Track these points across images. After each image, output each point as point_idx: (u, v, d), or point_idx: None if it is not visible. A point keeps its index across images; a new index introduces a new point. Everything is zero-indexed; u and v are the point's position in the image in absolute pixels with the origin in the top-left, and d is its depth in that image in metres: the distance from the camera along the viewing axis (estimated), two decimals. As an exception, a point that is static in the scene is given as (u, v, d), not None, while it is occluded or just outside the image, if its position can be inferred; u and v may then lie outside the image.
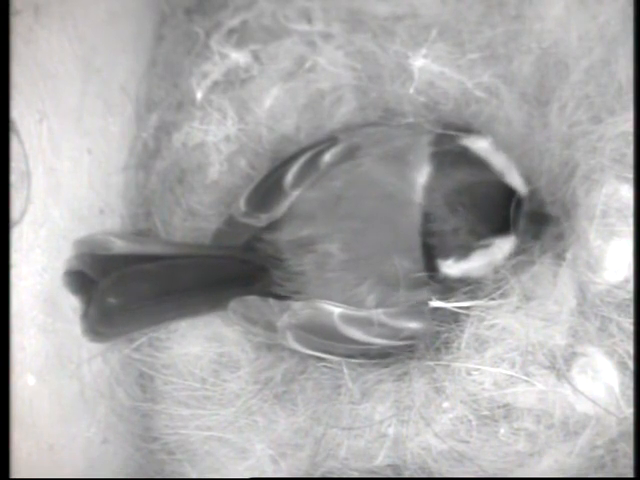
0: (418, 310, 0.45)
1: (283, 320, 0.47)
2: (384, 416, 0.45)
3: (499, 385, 0.43)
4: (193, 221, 0.54)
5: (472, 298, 0.45)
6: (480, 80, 0.51)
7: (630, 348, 0.42)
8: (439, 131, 0.47)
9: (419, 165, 0.46)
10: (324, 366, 0.48)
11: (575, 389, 0.42)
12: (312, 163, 0.49)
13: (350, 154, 0.48)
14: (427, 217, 0.45)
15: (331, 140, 0.49)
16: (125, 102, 0.55)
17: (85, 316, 0.46)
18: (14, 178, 0.43)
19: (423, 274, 0.45)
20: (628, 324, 0.42)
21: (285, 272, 0.48)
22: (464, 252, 0.45)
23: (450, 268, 0.45)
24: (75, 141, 0.50)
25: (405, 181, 0.46)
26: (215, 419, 0.48)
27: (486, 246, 0.45)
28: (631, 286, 0.43)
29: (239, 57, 0.55)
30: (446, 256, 0.45)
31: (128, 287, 0.46)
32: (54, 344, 0.47)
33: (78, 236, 0.48)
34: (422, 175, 0.45)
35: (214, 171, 0.54)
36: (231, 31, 0.57)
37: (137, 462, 0.53)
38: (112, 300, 0.45)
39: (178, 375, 0.50)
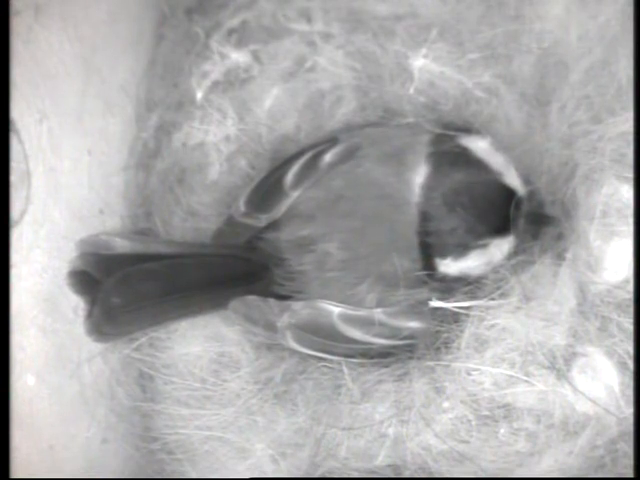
0: (418, 310, 0.45)
1: (283, 320, 0.47)
2: (384, 416, 0.45)
3: (499, 385, 0.43)
4: (193, 221, 0.54)
5: (472, 298, 0.45)
6: (480, 80, 0.51)
7: (630, 348, 0.42)
8: (438, 131, 0.47)
9: (417, 165, 0.46)
10: (324, 366, 0.48)
11: (575, 389, 0.42)
12: (312, 163, 0.49)
13: (350, 154, 0.48)
14: (425, 216, 0.45)
15: (331, 140, 0.49)
16: (125, 102, 0.55)
17: (89, 316, 0.46)
18: (14, 178, 0.43)
19: (422, 273, 0.45)
20: (628, 324, 0.42)
21: (285, 272, 0.48)
22: (462, 251, 0.45)
23: (448, 267, 0.45)
24: (75, 141, 0.50)
25: (403, 181, 0.46)
26: (215, 419, 0.48)
27: (484, 245, 0.45)
28: (631, 286, 0.43)
29: (239, 57, 0.55)
30: (444, 255, 0.45)
31: (132, 287, 0.46)
32: (54, 344, 0.47)
33: (78, 236, 0.48)
34: (420, 175, 0.45)
35: (214, 171, 0.54)
36: (231, 31, 0.57)
37: (137, 462, 0.53)
38: (116, 300, 0.45)
39: (178, 375, 0.50)
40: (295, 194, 0.48)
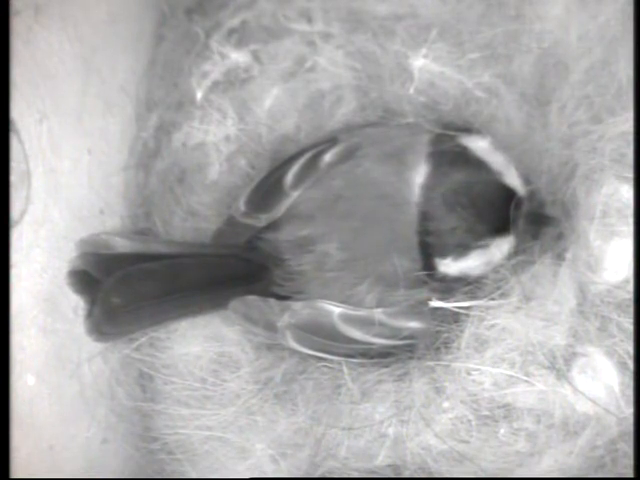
0: (418, 310, 0.45)
1: (283, 320, 0.47)
2: (384, 416, 0.45)
3: (499, 385, 0.43)
4: (193, 221, 0.54)
5: (472, 298, 0.45)
6: (480, 80, 0.51)
7: (630, 348, 0.42)
8: (438, 131, 0.47)
9: (417, 165, 0.46)
10: (324, 366, 0.48)
11: (575, 389, 0.42)
12: (312, 163, 0.49)
13: (350, 154, 0.48)
14: (424, 216, 0.45)
15: (331, 140, 0.50)
16: (125, 102, 0.55)
17: (89, 316, 0.46)
18: (14, 178, 0.43)
19: (421, 273, 0.45)
20: (628, 324, 0.43)
21: (285, 272, 0.48)
22: (462, 251, 0.45)
23: (448, 267, 0.45)
24: (75, 141, 0.50)
25: (402, 181, 0.46)
26: (215, 419, 0.48)
27: (484, 245, 0.45)
28: (631, 286, 0.43)
29: (239, 57, 0.55)
30: (444, 255, 0.45)
31: (132, 286, 0.46)
32: (54, 344, 0.47)
33: (78, 236, 0.48)
34: (420, 175, 0.45)
35: (214, 171, 0.54)
36: (231, 31, 0.57)
37: (137, 462, 0.53)
38: (116, 300, 0.45)
39: (178, 375, 0.50)
40: (295, 194, 0.48)
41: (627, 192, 0.43)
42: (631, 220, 0.43)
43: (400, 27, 0.53)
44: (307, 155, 0.49)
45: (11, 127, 0.43)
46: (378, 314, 0.45)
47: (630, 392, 0.42)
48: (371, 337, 0.46)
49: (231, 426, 0.48)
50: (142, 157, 0.56)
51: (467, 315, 0.45)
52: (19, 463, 0.43)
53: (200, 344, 0.50)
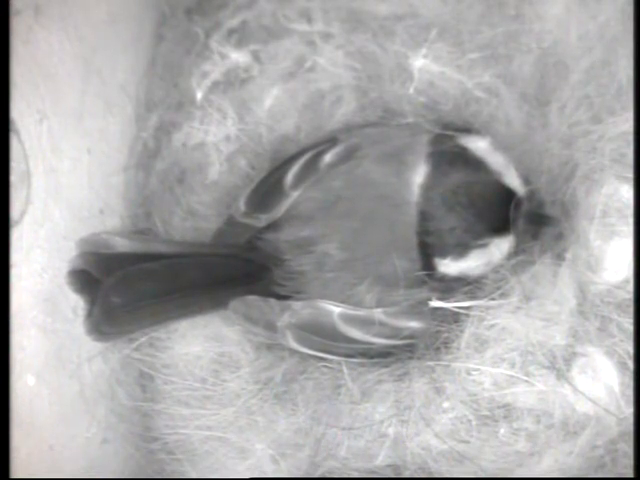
0: (418, 310, 0.45)
1: (283, 320, 0.47)
2: (384, 416, 0.45)
3: (499, 385, 0.43)
4: (193, 221, 0.54)
5: (472, 298, 0.45)
6: (480, 80, 0.51)
7: (630, 348, 0.42)
8: (438, 131, 0.47)
9: (416, 165, 0.46)
10: (324, 366, 0.48)
11: (575, 389, 0.42)
12: (312, 164, 0.49)
13: (350, 154, 0.48)
14: (424, 216, 0.45)
15: (331, 140, 0.50)
16: (125, 102, 0.55)
17: (89, 316, 0.46)
18: (14, 178, 0.43)
19: (421, 273, 0.45)
20: (628, 324, 0.43)
21: (285, 272, 0.48)
22: (461, 251, 0.45)
23: (448, 267, 0.45)
24: (75, 141, 0.50)
25: (402, 181, 0.46)
26: (215, 419, 0.48)
27: (484, 245, 0.45)
28: (631, 286, 0.43)
29: (239, 57, 0.55)
30: (443, 255, 0.45)
31: (132, 286, 0.46)
32: (54, 344, 0.47)
33: (78, 236, 0.48)
34: (419, 175, 0.45)
35: (214, 171, 0.54)
36: (231, 31, 0.57)
37: (137, 462, 0.53)
38: (116, 299, 0.45)
39: (178, 375, 0.50)
40: (295, 194, 0.49)
41: (627, 192, 0.43)
42: (631, 220, 0.43)
43: (400, 27, 0.53)
44: (307, 155, 0.49)
45: (11, 127, 0.43)
46: (378, 314, 0.45)
47: (630, 392, 0.42)
48: (371, 337, 0.46)
49: (231, 426, 0.48)
50: (142, 157, 0.56)
51: (467, 315, 0.45)
52: (19, 463, 0.43)
53: (200, 344, 0.50)
